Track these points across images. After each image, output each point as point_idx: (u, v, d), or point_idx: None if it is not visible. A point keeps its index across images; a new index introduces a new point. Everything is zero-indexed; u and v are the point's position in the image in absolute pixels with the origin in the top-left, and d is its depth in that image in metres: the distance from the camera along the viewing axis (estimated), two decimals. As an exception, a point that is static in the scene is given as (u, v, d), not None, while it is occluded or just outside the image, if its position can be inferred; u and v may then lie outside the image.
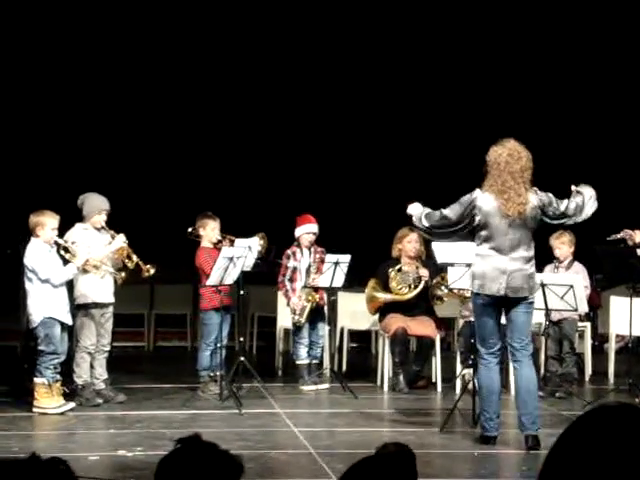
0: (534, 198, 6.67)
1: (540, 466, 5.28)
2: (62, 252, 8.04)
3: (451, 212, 6.75)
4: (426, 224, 6.86)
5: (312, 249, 9.41)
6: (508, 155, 6.61)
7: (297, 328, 9.43)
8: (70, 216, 8.33)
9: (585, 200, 6.75)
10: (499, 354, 6.91)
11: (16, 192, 11.90)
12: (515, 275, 6.63)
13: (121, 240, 8.32)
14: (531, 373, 6.81)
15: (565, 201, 6.76)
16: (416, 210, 6.94)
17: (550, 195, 6.74)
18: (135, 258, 8.38)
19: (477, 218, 6.68)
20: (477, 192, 6.71)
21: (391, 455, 2.44)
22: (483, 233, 6.70)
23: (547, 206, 6.69)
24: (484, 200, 6.67)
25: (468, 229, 6.80)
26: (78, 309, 8.30)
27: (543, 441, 6.60)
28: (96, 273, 8.26)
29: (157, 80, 13.23)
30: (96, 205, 8.39)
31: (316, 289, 9.32)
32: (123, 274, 8.37)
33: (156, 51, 13.06)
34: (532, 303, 6.82)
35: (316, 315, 9.44)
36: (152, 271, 8.40)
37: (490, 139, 6.87)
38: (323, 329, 9.54)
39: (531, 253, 6.77)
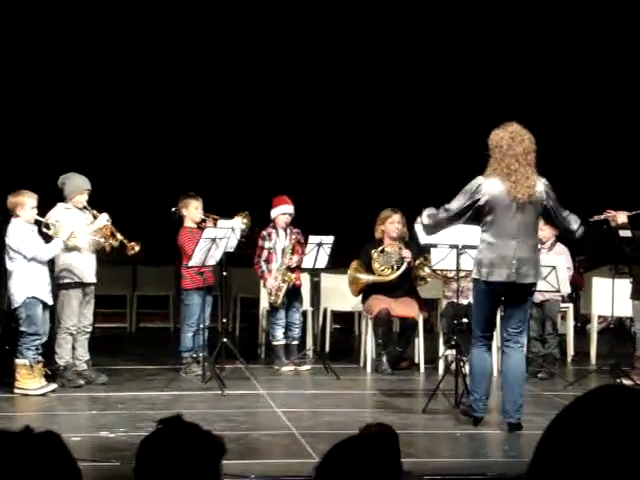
0: (540, 183, 6.58)
1: (521, 446, 5.25)
2: (44, 229, 8.01)
3: (453, 204, 6.55)
4: (427, 222, 6.71)
5: (288, 230, 9.39)
6: (510, 138, 6.47)
7: (273, 309, 9.42)
8: (50, 196, 8.28)
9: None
10: (492, 337, 6.91)
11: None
12: (523, 261, 6.53)
13: (104, 218, 8.29)
14: (521, 360, 6.79)
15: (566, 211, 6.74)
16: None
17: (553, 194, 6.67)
18: (119, 236, 8.35)
19: (482, 204, 6.49)
20: (480, 179, 6.53)
21: (374, 435, 2.44)
22: (489, 218, 6.53)
23: (547, 198, 6.60)
24: (490, 185, 6.49)
25: (470, 218, 6.60)
26: (59, 289, 8.26)
27: (525, 422, 6.64)
28: (82, 246, 8.22)
29: (139, 61, 13.14)
30: (78, 185, 8.35)
31: (292, 269, 9.31)
32: (111, 240, 8.33)
33: (136, 35, 12.96)
34: (535, 290, 6.81)
35: (292, 296, 9.43)
36: (137, 248, 8.37)
37: (474, 122, 6.85)
38: (300, 310, 9.53)
39: (537, 239, 6.78)
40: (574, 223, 6.79)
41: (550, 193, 6.64)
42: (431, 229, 6.83)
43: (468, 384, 7.04)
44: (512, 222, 6.51)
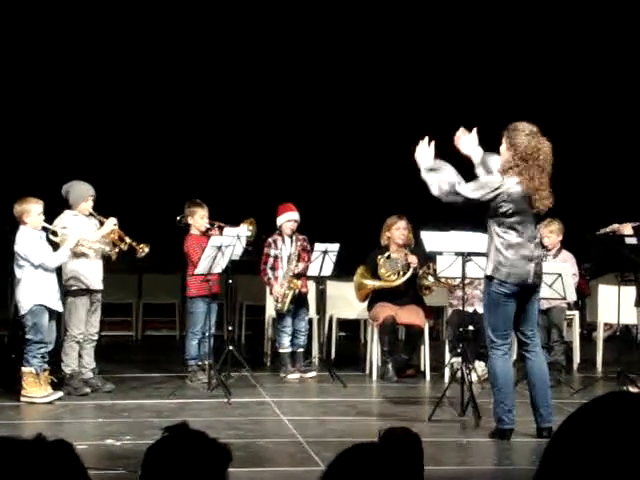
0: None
1: (528, 453, 5.23)
2: (52, 237, 8.03)
3: (476, 193, 6.43)
4: (441, 191, 6.46)
5: (294, 237, 9.39)
6: (550, 152, 6.49)
7: (280, 316, 9.43)
8: (57, 204, 8.30)
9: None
10: (511, 343, 6.85)
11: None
12: (539, 262, 6.68)
13: (112, 223, 8.31)
14: (544, 363, 6.83)
15: None
16: (427, 163, 6.68)
17: None
18: (128, 239, 8.37)
19: (506, 205, 6.45)
20: (504, 178, 6.46)
21: (398, 437, 2.43)
22: (511, 220, 6.49)
23: None
24: (515, 188, 6.46)
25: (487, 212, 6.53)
26: (67, 296, 8.27)
27: (530, 429, 6.63)
28: (89, 253, 8.24)
29: (144, 67, 13.18)
30: (82, 192, 8.37)
31: (298, 276, 9.31)
32: (117, 249, 8.36)
33: (141, 38, 12.99)
34: (539, 290, 6.85)
35: (299, 303, 9.43)
36: (147, 250, 8.39)
37: (480, 129, 6.85)
38: (306, 317, 9.54)
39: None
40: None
41: None
42: (447, 195, 6.52)
43: (495, 396, 6.72)
44: (532, 226, 6.62)
